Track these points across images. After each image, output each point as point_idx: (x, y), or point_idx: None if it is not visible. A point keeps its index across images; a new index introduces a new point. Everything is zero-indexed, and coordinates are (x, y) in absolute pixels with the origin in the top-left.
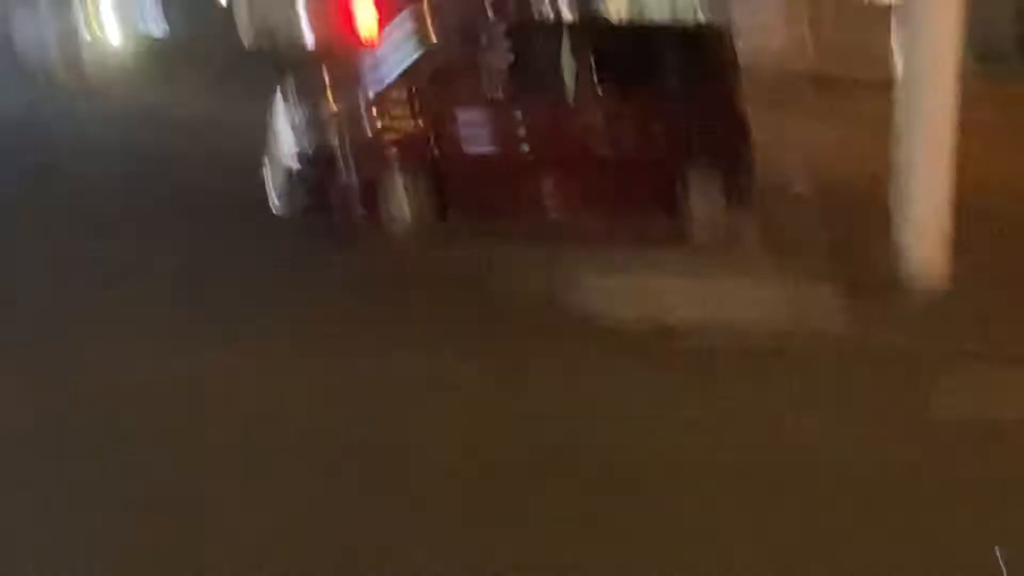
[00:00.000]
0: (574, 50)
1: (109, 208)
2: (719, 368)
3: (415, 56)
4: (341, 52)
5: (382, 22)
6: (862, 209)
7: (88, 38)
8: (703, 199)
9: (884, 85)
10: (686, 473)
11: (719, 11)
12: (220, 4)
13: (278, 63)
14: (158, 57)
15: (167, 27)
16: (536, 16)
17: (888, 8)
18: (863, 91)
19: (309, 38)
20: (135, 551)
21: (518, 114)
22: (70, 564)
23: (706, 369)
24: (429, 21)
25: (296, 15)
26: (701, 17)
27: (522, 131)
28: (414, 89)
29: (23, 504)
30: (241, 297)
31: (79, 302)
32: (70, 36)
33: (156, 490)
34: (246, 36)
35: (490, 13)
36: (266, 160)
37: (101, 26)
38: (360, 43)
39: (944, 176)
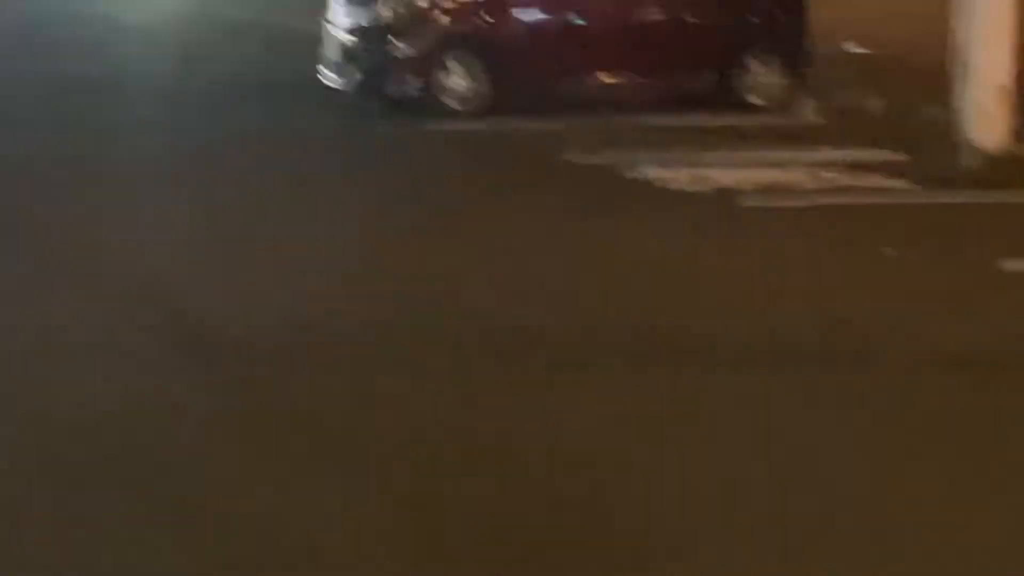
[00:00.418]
0: None
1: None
2: (779, 225)
3: None
4: None
5: None
6: (922, 72)
7: None
8: (758, 67)
9: None
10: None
11: None
12: None
13: None
14: None
15: None
16: None
17: None
18: None
19: None
20: None
21: None
22: None
23: (766, 226)
24: None
25: None
26: None
27: (573, 1)
28: None
29: None
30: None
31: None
32: None
33: None
34: None
35: None
36: (322, 36)
37: None
38: None
39: (1006, 37)
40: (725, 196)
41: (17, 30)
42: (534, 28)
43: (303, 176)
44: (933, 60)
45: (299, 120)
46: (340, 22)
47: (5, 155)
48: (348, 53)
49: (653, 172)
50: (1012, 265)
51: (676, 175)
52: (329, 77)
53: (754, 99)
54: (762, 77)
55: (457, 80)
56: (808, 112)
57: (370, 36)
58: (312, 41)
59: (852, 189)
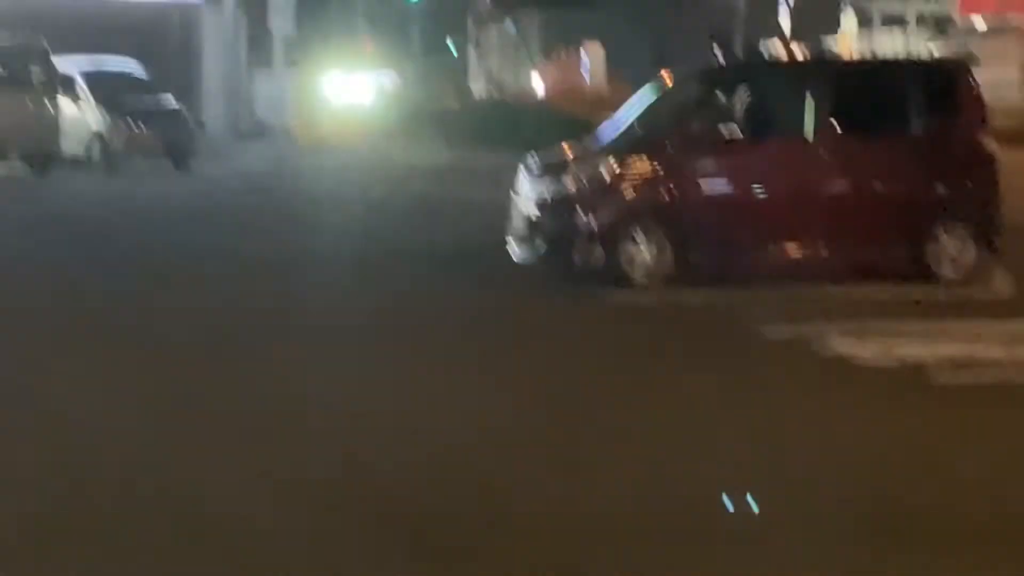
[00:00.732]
0: (809, 88)
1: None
2: (976, 403)
3: (651, 101)
4: (572, 100)
5: (610, 75)
6: None
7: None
8: (949, 238)
9: None
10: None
11: (954, 47)
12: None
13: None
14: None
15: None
16: (767, 56)
17: None
18: None
19: (540, 87)
20: None
21: (755, 155)
22: None
23: (964, 404)
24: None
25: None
26: (935, 52)
27: (760, 172)
28: (650, 134)
29: None
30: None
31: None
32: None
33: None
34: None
35: (720, 57)
36: (510, 208)
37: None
38: (590, 93)
39: None
40: (917, 371)
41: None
42: (720, 199)
43: (484, 343)
44: None
45: (484, 289)
46: (526, 194)
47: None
48: (533, 224)
49: (842, 345)
50: None
51: (866, 348)
52: (516, 248)
53: (945, 270)
54: (953, 248)
55: (642, 252)
56: (1001, 284)
57: (555, 207)
58: (503, 214)
59: None
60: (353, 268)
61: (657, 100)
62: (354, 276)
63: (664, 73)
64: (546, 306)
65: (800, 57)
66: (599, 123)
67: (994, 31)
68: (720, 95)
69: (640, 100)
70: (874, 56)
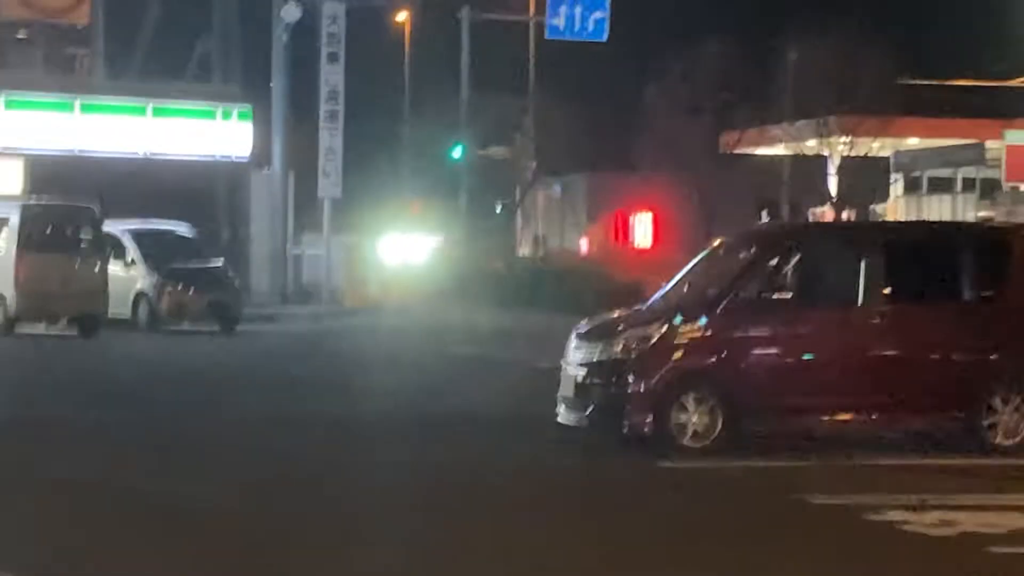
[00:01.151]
0: (863, 252)
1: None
2: None
3: (703, 265)
4: (618, 263)
5: (657, 234)
6: None
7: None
8: (1004, 407)
9: None
10: None
11: (1002, 213)
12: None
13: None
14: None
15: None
16: (815, 219)
17: None
18: None
19: (584, 246)
20: None
21: (808, 320)
22: None
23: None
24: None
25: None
26: (983, 218)
27: (812, 338)
28: (701, 298)
29: None
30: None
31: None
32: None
33: None
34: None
35: (766, 217)
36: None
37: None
38: (636, 252)
39: None
40: (972, 542)
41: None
42: (772, 365)
43: (527, 510)
44: None
45: (531, 455)
46: (574, 358)
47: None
48: (581, 389)
49: (896, 515)
50: None
51: (920, 518)
52: (564, 414)
53: (1000, 439)
54: (1008, 417)
55: (691, 417)
56: None
57: (603, 371)
58: (550, 377)
59: None
60: (400, 433)
61: (709, 264)
62: (402, 442)
63: (719, 237)
64: (594, 472)
65: (853, 220)
66: (644, 286)
67: None
68: (773, 259)
69: (693, 264)
70: (929, 221)
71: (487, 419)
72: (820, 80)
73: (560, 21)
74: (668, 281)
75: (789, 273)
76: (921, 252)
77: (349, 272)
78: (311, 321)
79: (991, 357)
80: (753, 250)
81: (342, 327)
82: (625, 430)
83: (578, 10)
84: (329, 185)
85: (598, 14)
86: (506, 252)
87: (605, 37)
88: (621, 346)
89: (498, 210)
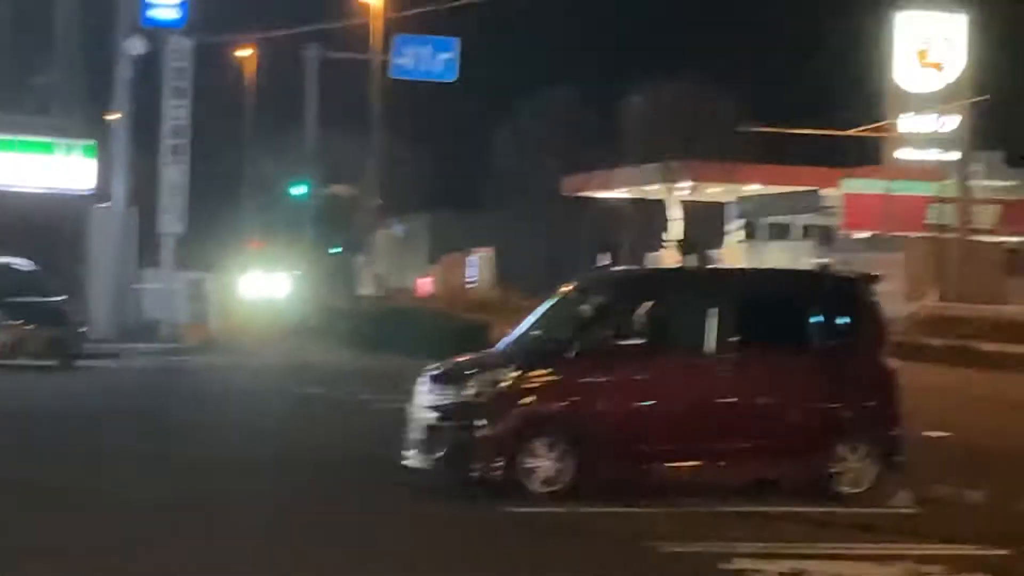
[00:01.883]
0: (712, 299)
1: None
2: None
3: (553, 310)
4: (458, 303)
5: (497, 276)
6: (1017, 460)
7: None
8: (851, 455)
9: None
10: None
11: (838, 260)
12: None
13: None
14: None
15: None
16: (654, 262)
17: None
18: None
19: (426, 287)
20: None
21: (657, 366)
22: None
23: None
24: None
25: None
26: (820, 265)
27: (661, 384)
28: (551, 343)
29: None
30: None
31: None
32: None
33: None
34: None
35: (607, 264)
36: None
37: None
38: (477, 296)
39: None
40: None
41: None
42: (620, 410)
43: (373, 554)
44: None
45: (378, 498)
46: (424, 401)
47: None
48: (431, 432)
49: (747, 563)
50: None
51: (770, 567)
52: (413, 457)
53: (846, 487)
54: (854, 464)
55: (542, 462)
56: (903, 502)
57: (453, 415)
58: (397, 418)
59: None
60: (243, 474)
61: (561, 308)
62: (244, 483)
63: (568, 282)
64: (442, 517)
65: (703, 267)
66: (487, 327)
67: (875, 244)
68: (624, 304)
69: (544, 307)
70: (779, 269)
71: (336, 461)
72: (667, 126)
73: (407, 60)
74: (517, 324)
75: (640, 318)
76: (771, 299)
77: (192, 309)
78: (153, 357)
79: (839, 405)
80: (604, 295)
81: (184, 364)
82: (475, 474)
83: (426, 50)
84: (171, 221)
85: (446, 54)
86: (348, 291)
87: (454, 77)
88: (472, 390)
89: (337, 249)
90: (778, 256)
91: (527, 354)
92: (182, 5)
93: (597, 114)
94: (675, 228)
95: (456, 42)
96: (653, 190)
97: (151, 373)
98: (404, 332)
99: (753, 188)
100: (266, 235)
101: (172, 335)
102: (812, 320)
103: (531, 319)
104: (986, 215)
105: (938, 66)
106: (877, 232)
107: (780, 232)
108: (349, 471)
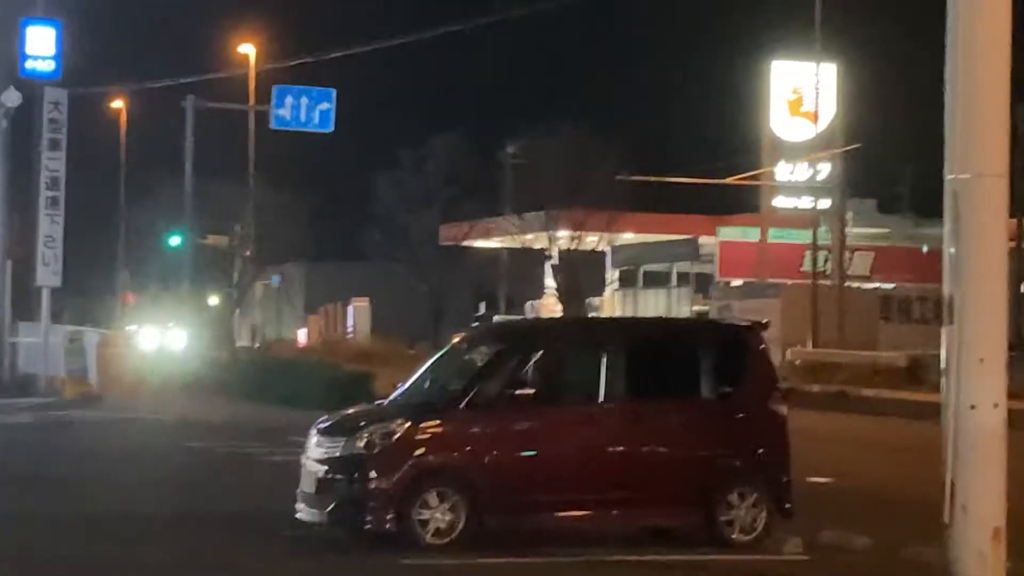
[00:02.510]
0: (602, 348)
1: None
2: None
3: (444, 362)
4: (337, 353)
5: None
6: (912, 508)
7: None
8: (741, 502)
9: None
10: None
11: (715, 307)
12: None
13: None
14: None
15: None
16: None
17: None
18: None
19: (302, 336)
20: None
21: (547, 417)
22: None
23: None
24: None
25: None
26: (698, 312)
27: (552, 434)
28: (442, 394)
29: None
30: None
31: None
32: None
33: None
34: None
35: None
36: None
37: None
38: (354, 346)
39: (1000, 478)
40: None
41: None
42: (512, 460)
43: None
44: (911, 494)
45: (267, 553)
46: (315, 453)
47: None
48: (323, 485)
49: None
50: None
51: None
52: (304, 510)
53: (736, 535)
54: (744, 511)
55: (434, 513)
56: (793, 548)
57: (345, 467)
58: (286, 472)
59: None
60: (130, 531)
61: (451, 359)
62: (131, 540)
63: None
64: (334, 571)
65: (593, 316)
66: (369, 377)
67: (752, 291)
68: (515, 355)
69: (435, 359)
70: (669, 318)
71: (222, 516)
72: (548, 176)
73: (286, 112)
74: (402, 374)
75: (531, 369)
76: (661, 348)
77: (70, 362)
78: (30, 412)
79: (728, 453)
80: (495, 345)
81: (64, 419)
82: (367, 527)
83: (304, 100)
84: (48, 273)
85: (324, 105)
86: (227, 343)
87: (331, 128)
88: (363, 442)
89: (214, 302)
90: (655, 303)
91: (417, 406)
92: (56, 56)
93: (477, 164)
94: (555, 277)
95: (333, 93)
96: (532, 239)
97: (30, 429)
98: (287, 384)
99: (627, 236)
100: (143, 287)
101: (49, 389)
102: (702, 368)
103: (421, 370)
104: (860, 262)
105: (810, 115)
106: (752, 279)
107: (657, 280)
108: (241, 525)
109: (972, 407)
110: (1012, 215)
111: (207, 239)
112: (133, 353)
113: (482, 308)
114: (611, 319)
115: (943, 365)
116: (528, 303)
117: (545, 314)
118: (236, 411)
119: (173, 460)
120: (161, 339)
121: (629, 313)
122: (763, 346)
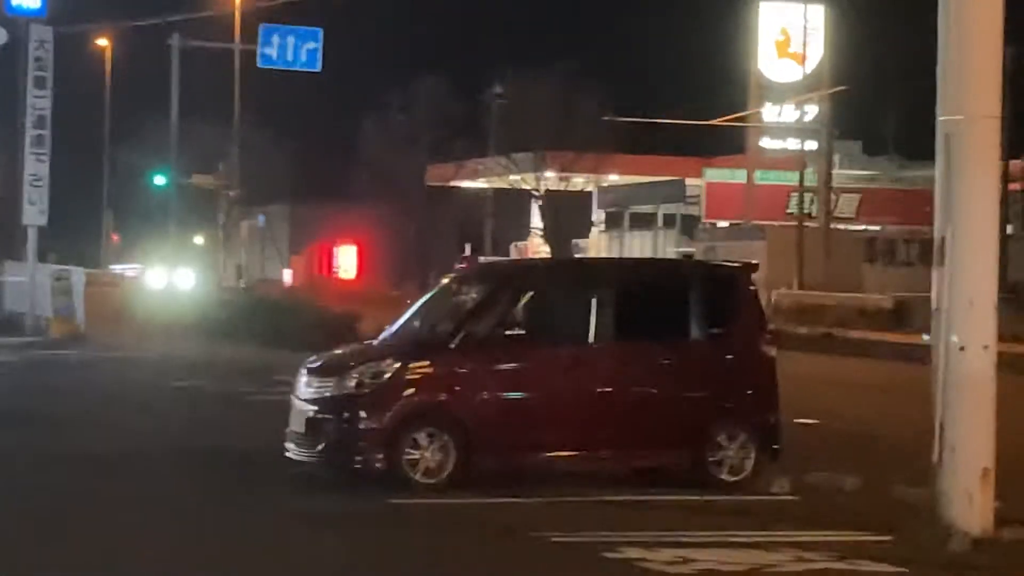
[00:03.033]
0: (591, 290)
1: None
2: None
3: (433, 302)
4: (323, 291)
5: (362, 266)
6: (900, 449)
7: None
8: (729, 443)
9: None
10: None
11: (701, 248)
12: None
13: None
14: None
15: None
16: (518, 252)
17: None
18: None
19: (287, 276)
20: None
21: (537, 358)
22: None
23: None
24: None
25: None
26: (683, 254)
27: (542, 375)
28: (432, 335)
29: None
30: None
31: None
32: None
33: None
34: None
35: (469, 251)
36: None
37: None
38: (341, 283)
39: (990, 420)
40: None
41: None
42: (502, 402)
43: (251, 546)
44: (898, 435)
45: (258, 491)
46: (304, 393)
47: None
48: (312, 424)
49: (633, 552)
50: None
51: (656, 555)
52: (294, 449)
53: (725, 475)
54: (733, 452)
55: (424, 453)
56: (781, 489)
57: (335, 407)
58: (275, 411)
59: (838, 573)
60: (125, 468)
61: (441, 300)
62: (126, 477)
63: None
64: (324, 508)
65: (583, 257)
66: (355, 319)
67: (737, 233)
68: (505, 296)
69: (424, 299)
70: (659, 259)
71: (212, 454)
72: (534, 117)
73: (272, 51)
74: (389, 315)
75: (521, 310)
76: (651, 289)
77: (57, 302)
78: (17, 351)
79: (718, 394)
80: (485, 287)
81: (52, 358)
82: (357, 466)
83: (291, 40)
84: (35, 212)
85: (311, 44)
86: (213, 283)
87: (318, 67)
88: (353, 382)
89: (199, 240)
90: (640, 246)
91: (407, 346)
92: None
93: (464, 105)
94: (537, 218)
95: (320, 32)
96: (520, 180)
97: (18, 368)
98: (275, 323)
99: (613, 178)
100: (127, 227)
101: (36, 328)
102: (692, 309)
103: (411, 311)
104: (846, 204)
105: (798, 56)
106: (739, 221)
107: (643, 222)
108: (233, 464)
109: (962, 348)
110: (1004, 158)
111: (192, 179)
112: (121, 293)
113: (467, 249)
114: (601, 259)
115: (933, 306)
116: (513, 244)
117: (531, 255)
118: (224, 351)
119: (165, 401)
120: (168, 279)
121: (615, 255)
122: (752, 287)
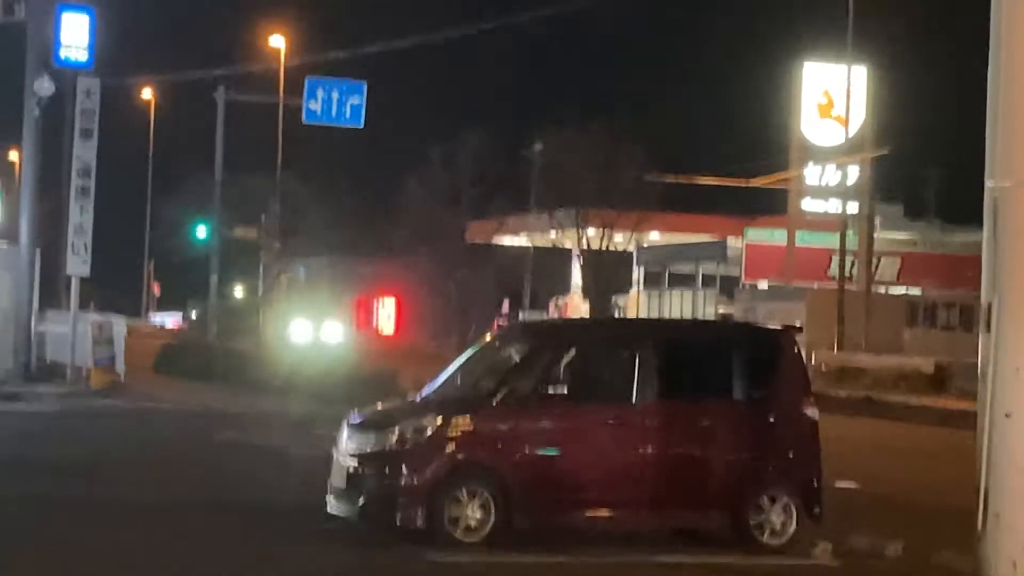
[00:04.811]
0: (635, 349)
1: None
2: None
3: (476, 358)
4: (363, 344)
5: (400, 322)
6: (941, 515)
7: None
8: (771, 506)
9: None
10: None
11: (740, 308)
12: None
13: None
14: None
15: None
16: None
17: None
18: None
19: (333, 335)
20: None
21: (579, 416)
22: None
23: None
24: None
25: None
26: (724, 313)
27: (583, 434)
28: (474, 391)
29: None
30: None
31: None
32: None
33: None
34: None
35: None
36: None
37: None
38: (380, 337)
39: None
40: None
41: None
42: (543, 459)
43: None
44: (940, 501)
45: (299, 546)
46: (346, 448)
47: None
48: (353, 479)
49: None
50: None
51: None
52: (334, 504)
53: (767, 538)
54: (775, 516)
55: (465, 511)
56: (823, 554)
57: (376, 463)
58: (317, 466)
59: None
60: (167, 521)
61: (484, 356)
62: (169, 531)
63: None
64: (363, 566)
65: (626, 317)
66: (396, 373)
67: (777, 293)
68: (548, 354)
69: (467, 356)
70: (703, 320)
71: (254, 508)
72: (575, 175)
73: (317, 106)
74: (430, 371)
75: (564, 368)
76: (695, 350)
77: (98, 351)
78: (59, 401)
79: (760, 456)
80: (528, 344)
81: (93, 408)
82: (397, 522)
83: (335, 94)
84: (78, 262)
85: (355, 99)
86: (254, 334)
87: (361, 123)
88: (395, 437)
89: (238, 292)
90: (680, 304)
91: (450, 402)
92: (90, 46)
93: (506, 162)
94: (577, 275)
95: (363, 86)
96: (560, 237)
97: (61, 417)
98: (314, 377)
99: (658, 237)
100: (169, 278)
101: (76, 378)
102: (735, 370)
103: (453, 367)
104: (887, 267)
105: (841, 119)
106: (778, 282)
107: (682, 280)
108: (275, 518)
109: (1007, 415)
110: None
111: (234, 231)
112: (162, 343)
113: (505, 305)
114: (644, 319)
115: (980, 373)
116: (552, 300)
117: (570, 312)
118: (263, 404)
119: (205, 452)
120: (314, 333)
121: (654, 313)
122: (796, 349)
